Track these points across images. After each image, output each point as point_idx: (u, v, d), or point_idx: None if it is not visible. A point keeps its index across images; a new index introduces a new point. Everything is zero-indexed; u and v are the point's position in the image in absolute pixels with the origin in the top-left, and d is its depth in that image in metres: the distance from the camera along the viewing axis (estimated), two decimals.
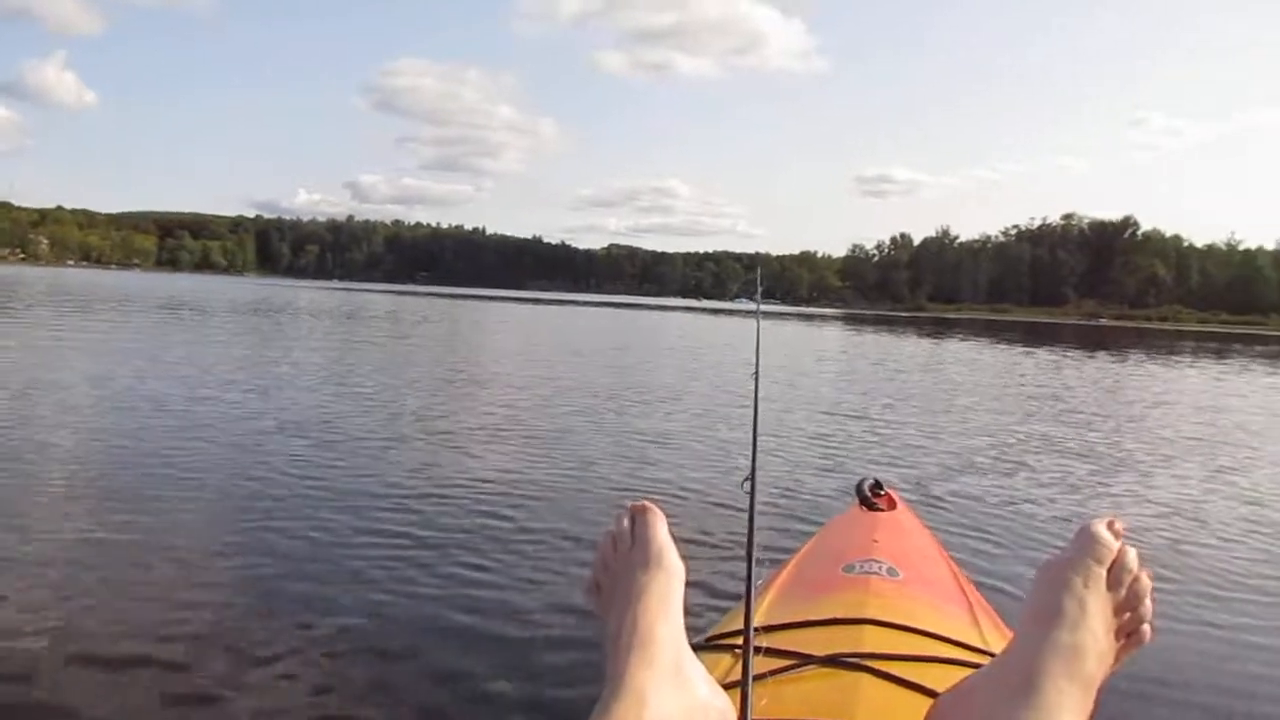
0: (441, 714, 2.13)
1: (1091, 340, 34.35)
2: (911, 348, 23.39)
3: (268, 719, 2.06)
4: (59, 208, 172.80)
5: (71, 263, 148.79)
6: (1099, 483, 5.48)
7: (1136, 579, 0.90)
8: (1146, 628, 0.90)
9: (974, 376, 13.99)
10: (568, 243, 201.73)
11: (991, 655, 1.25)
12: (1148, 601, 0.90)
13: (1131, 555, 0.91)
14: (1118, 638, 0.88)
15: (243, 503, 3.99)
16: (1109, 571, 0.89)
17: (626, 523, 1.01)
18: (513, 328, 25.37)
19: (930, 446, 6.53)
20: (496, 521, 3.88)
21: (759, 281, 2.61)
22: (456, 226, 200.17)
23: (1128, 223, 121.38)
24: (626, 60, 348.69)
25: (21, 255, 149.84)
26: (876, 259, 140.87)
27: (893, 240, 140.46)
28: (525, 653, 2.49)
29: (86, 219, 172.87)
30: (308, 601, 2.79)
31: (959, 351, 22.16)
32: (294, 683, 2.22)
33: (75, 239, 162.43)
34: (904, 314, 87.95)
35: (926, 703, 0.98)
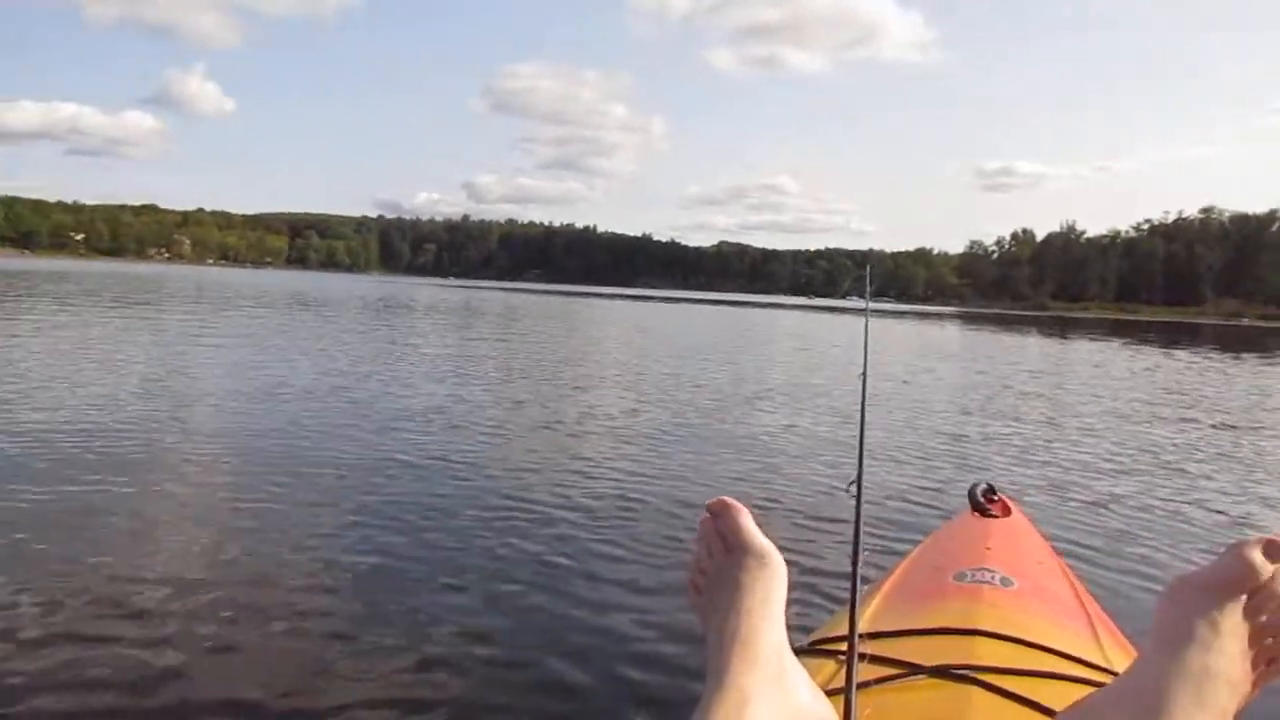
0: (542, 707, 2.16)
1: (1236, 341, 32.16)
2: (1032, 348, 22.42)
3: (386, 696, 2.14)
4: (200, 210, 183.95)
5: (211, 261, 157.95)
6: (1245, 496, 5.03)
7: None
8: None
9: (1100, 379, 13.29)
10: (677, 240, 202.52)
11: (1112, 674, 1.19)
12: None
13: None
14: (1255, 665, 0.82)
15: (372, 482, 4.23)
16: (1252, 594, 0.83)
17: (711, 520, 0.99)
18: (623, 325, 25.55)
19: (1049, 451, 6.24)
20: (599, 516, 3.93)
21: (868, 280, 2.55)
22: (568, 225, 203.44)
23: (1274, 216, 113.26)
24: (736, 57, 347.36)
25: (167, 255, 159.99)
26: (996, 255, 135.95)
27: (1014, 236, 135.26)
28: (626, 650, 2.50)
29: (225, 220, 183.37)
30: (412, 579, 2.89)
31: (1084, 352, 21.13)
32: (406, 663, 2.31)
33: (215, 239, 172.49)
34: (1025, 313, 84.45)
35: None
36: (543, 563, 3.23)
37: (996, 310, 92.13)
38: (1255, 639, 0.82)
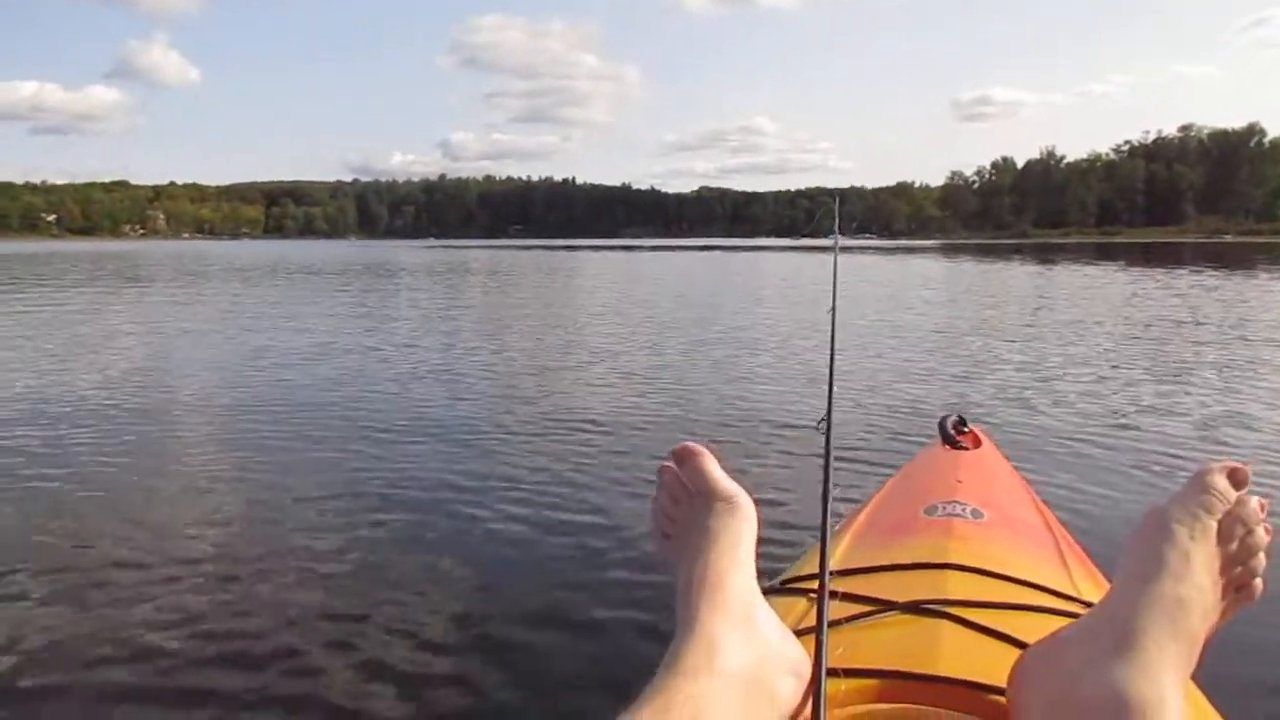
0: (516, 659, 2.17)
1: (1216, 258, 32.24)
2: (1010, 277, 22.43)
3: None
4: (172, 183, 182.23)
5: (187, 235, 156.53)
6: (1224, 419, 4.90)
7: (1251, 532, 0.83)
8: (1258, 583, 0.83)
9: (1077, 304, 13.28)
10: (657, 188, 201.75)
11: (1084, 604, 1.18)
12: (1261, 556, 0.84)
13: (1250, 506, 0.84)
14: (1225, 593, 0.82)
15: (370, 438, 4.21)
16: (1221, 522, 0.83)
17: (673, 467, 0.96)
18: (603, 275, 25.48)
19: (1021, 380, 6.16)
20: (568, 461, 3.98)
21: (837, 216, 2.52)
22: (547, 178, 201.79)
23: (1253, 130, 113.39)
24: None
25: (141, 230, 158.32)
26: (977, 186, 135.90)
27: (994, 165, 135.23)
28: (594, 597, 2.49)
29: (198, 193, 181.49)
30: (399, 530, 2.89)
31: (1062, 278, 21.14)
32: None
33: (189, 212, 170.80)
34: (1007, 241, 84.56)
35: (1013, 653, 0.93)
36: (512, 512, 3.26)
37: (979, 241, 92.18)
38: (1225, 567, 0.83)
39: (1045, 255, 39.59)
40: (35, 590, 2.53)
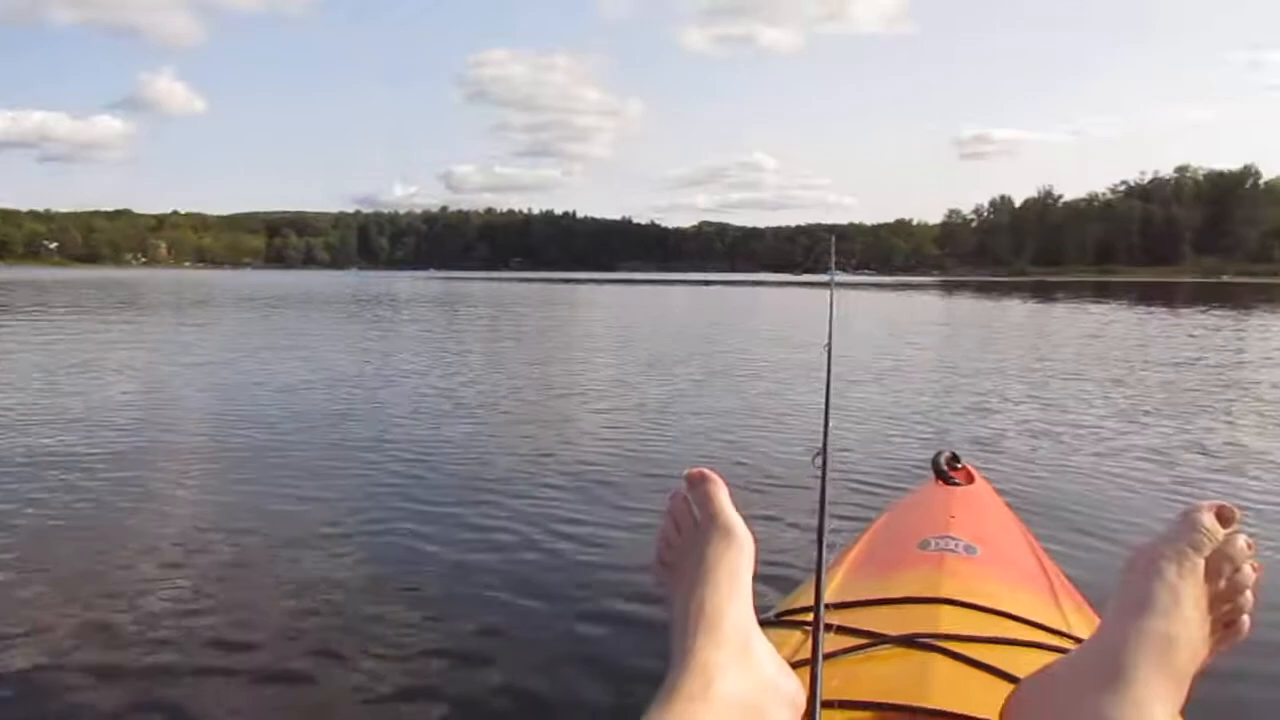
0: (511, 687, 2.16)
1: (1214, 298, 32.31)
2: (1007, 314, 22.50)
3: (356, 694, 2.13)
4: (175, 212, 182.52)
5: (188, 264, 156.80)
6: (1218, 459, 4.91)
7: (1238, 570, 0.85)
8: (1245, 620, 0.85)
9: (1073, 342, 13.32)
10: (657, 222, 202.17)
11: (1075, 640, 1.20)
12: (1248, 594, 0.85)
13: (1237, 544, 0.86)
14: (1214, 629, 0.84)
15: (357, 464, 4.21)
16: (1209, 560, 0.85)
17: (687, 493, 0.98)
18: (601, 310, 25.53)
19: (1015, 418, 6.18)
20: (566, 493, 4.00)
21: (832, 252, 2.56)
22: (547, 211, 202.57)
23: (1248, 172, 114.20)
24: (708, 36, 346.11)
25: (143, 260, 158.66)
26: (975, 224, 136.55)
27: (992, 203, 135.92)
28: (592, 628, 2.50)
29: (200, 222, 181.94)
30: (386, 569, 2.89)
31: (1060, 316, 21.21)
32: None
33: (191, 242, 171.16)
34: (1005, 279, 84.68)
35: (1005, 687, 0.95)
36: (510, 538, 3.29)
37: (977, 278, 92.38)
38: (1213, 604, 0.84)
39: (1044, 293, 39.66)
40: None
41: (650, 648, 2.29)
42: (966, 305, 27.98)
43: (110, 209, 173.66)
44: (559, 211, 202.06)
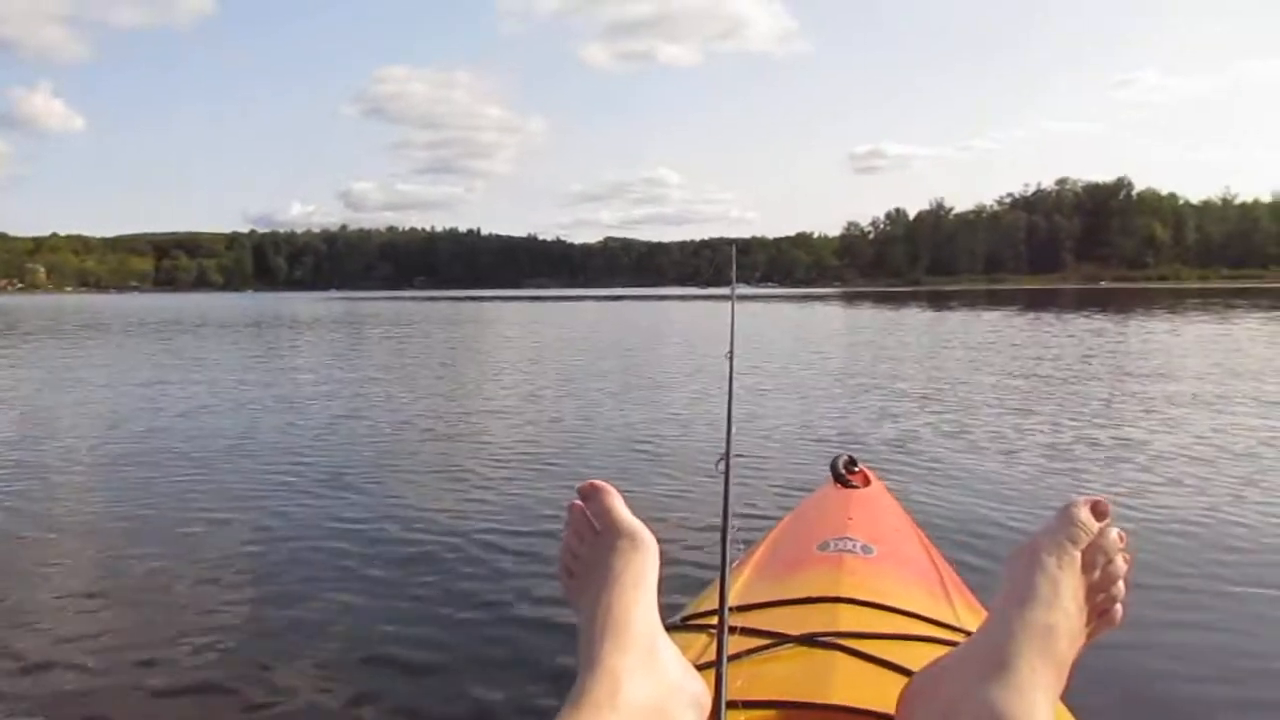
0: (421, 705, 2.13)
1: (1091, 303, 34.10)
2: (902, 322, 23.22)
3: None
4: (54, 235, 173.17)
5: (70, 289, 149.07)
6: (1091, 454, 5.18)
7: (1111, 561, 0.90)
8: (1118, 609, 0.90)
9: (966, 349, 13.85)
10: (563, 238, 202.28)
11: (965, 633, 1.25)
12: (1120, 584, 0.90)
13: (1110, 537, 0.91)
14: (1090, 618, 0.89)
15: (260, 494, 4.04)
16: (1084, 553, 0.89)
17: (581, 504, 0.99)
18: (510, 326, 25.32)
19: (912, 422, 6.39)
20: (482, 505, 4.00)
21: (734, 265, 2.63)
22: (451, 229, 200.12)
23: (1121, 184, 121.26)
24: (610, 52, 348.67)
25: (19, 285, 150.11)
26: (872, 235, 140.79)
27: (888, 216, 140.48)
28: (499, 640, 2.49)
29: (82, 245, 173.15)
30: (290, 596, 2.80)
31: (955, 323, 22.04)
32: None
33: (72, 265, 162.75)
34: (902, 289, 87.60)
35: (901, 681, 0.98)
36: (418, 556, 3.27)
37: (876, 289, 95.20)
38: (1089, 594, 0.89)
39: (939, 301, 41.11)
40: None
41: (565, 650, 2.30)
42: (867, 315, 28.76)
43: None
44: (463, 229, 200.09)
